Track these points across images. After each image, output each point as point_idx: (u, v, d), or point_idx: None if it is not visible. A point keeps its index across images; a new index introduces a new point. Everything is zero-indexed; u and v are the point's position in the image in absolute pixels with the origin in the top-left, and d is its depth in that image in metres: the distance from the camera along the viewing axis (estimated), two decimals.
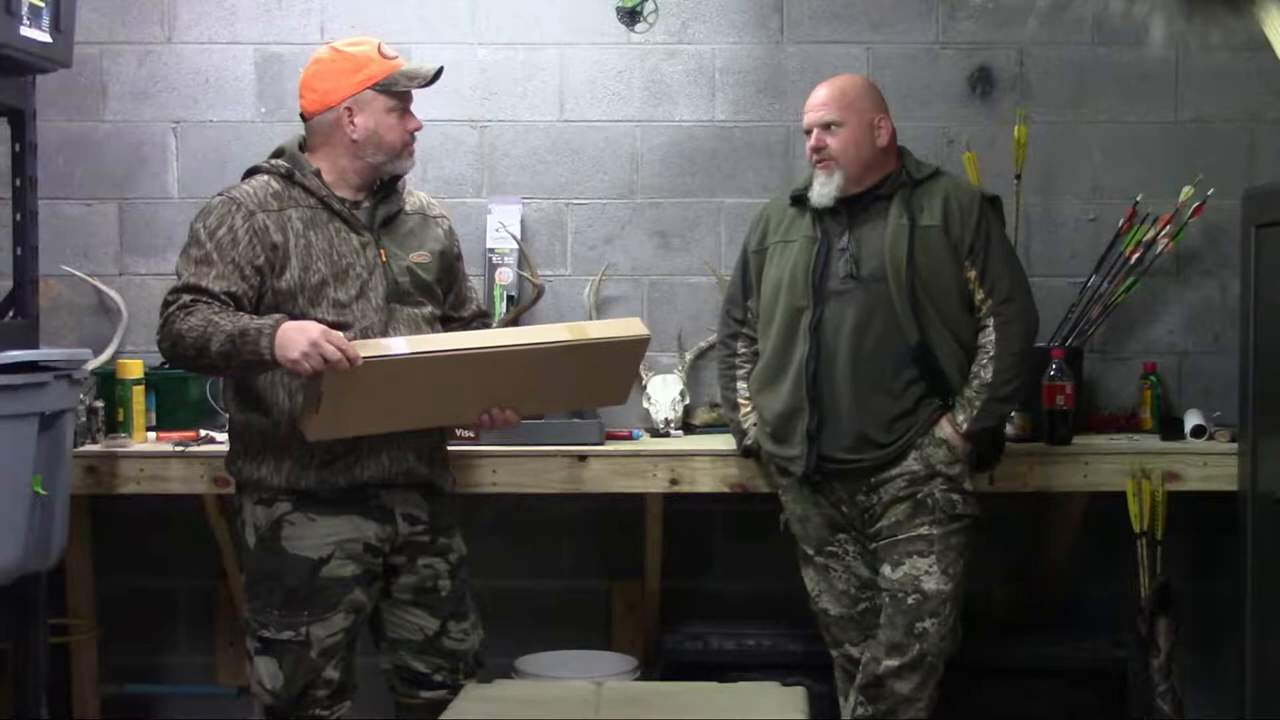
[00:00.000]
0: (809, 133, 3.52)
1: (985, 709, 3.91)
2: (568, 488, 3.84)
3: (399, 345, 3.06)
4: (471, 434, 3.74)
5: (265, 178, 3.23)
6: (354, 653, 3.27)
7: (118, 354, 4.15)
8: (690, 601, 4.30)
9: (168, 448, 3.83)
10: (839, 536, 3.57)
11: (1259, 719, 3.58)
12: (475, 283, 4.06)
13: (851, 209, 3.51)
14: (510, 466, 3.81)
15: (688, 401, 4.20)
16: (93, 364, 3.88)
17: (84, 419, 3.84)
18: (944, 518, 3.44)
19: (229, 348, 3.00)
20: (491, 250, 4.19)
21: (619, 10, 4.29)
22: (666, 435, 4.11)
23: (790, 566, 3.70)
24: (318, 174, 3.22)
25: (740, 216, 4.22)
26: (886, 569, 3.46)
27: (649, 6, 4.28)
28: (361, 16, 4.27)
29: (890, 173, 3.51)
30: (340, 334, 2.99)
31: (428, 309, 3.31)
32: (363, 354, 2.97)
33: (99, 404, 3.94)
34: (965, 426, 3.44)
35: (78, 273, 4.28)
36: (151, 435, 4.01)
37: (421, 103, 4.26)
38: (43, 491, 3.41)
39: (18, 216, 3.64)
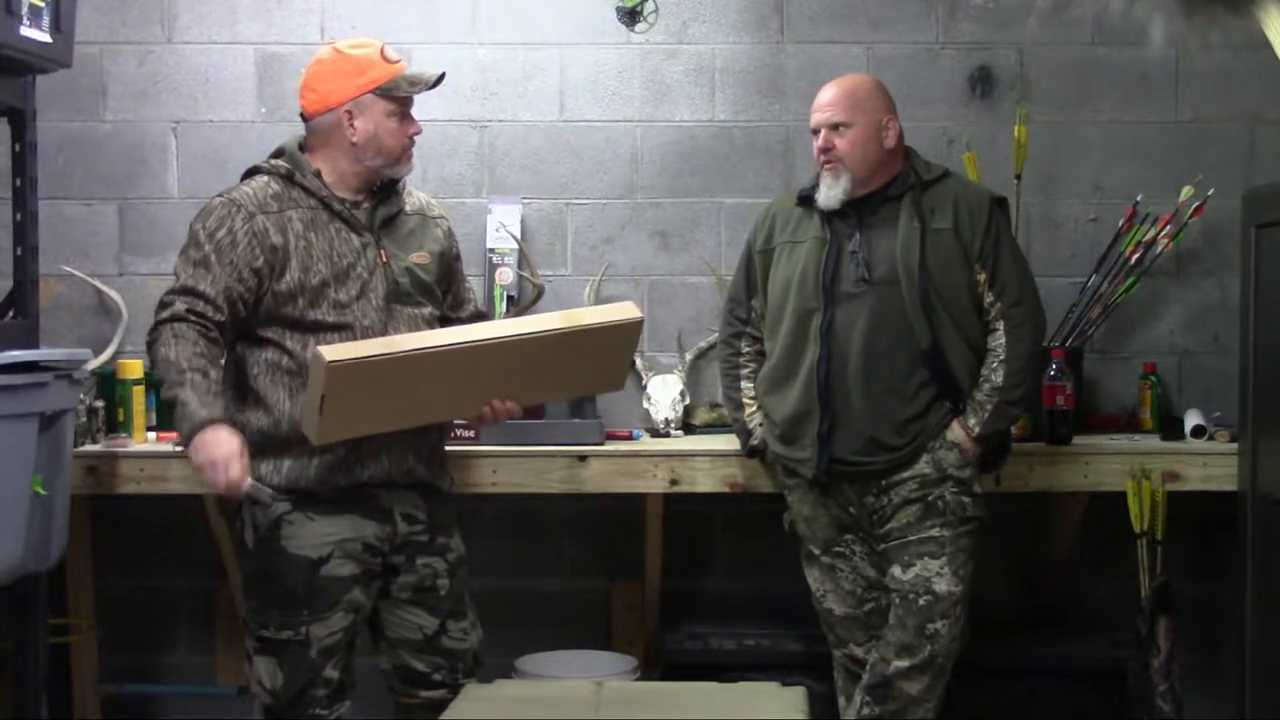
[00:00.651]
0: (816, 132, 3.51)
1: (986, 709, 3.91)
2: (568, 488, 3.84)
3: (398, 343, 3.07)
4: (472, 432, 3.74)
5: (265, 178, 3.23)
6: (353, 652, 3.27)
7: (118, 354, 4.15)
8: (690, 601, 4.30)
9: (168, 448, 3.82)
10: (846, 537, 3.57)
11: (1259, 719, 3.58)
12: (475, 283, 4.07)
13: (860, 210, 3.50)
14: (510, 466, 3.81)
15: (688, 401, 4.20)
16: (93, 364, 3.88)
17: (84, 419, 3.84)
18: (955, 520, 3.44)
19: (170, 400, 3.05)
20: (491, 250, 4.19)
21: (619, 10, 4.29)
22: (666, 435, 4.11)
23: (790, 566, 3.70)
24: (318, 175, 3.22)
25: (740, 216, 4.22)
26: (897, 570, 3.46)
27: (649, 6, 4.28)
28: (362, 16, 4.27)
29: (898, 173, 3.51)
30: (236, 467, 2.98)
31: (427, 309, 3.31)
32: (359, 354, 2.98)
33: (99, 404, 3.94)
34: (977, 430, 3.44)
35: (78, 273, 4.27)
36: (151, 435, 4.02)
37: (422, 103, 4.25)
38: (43, 491, 3.41)
39: (18, 216, 3.64)
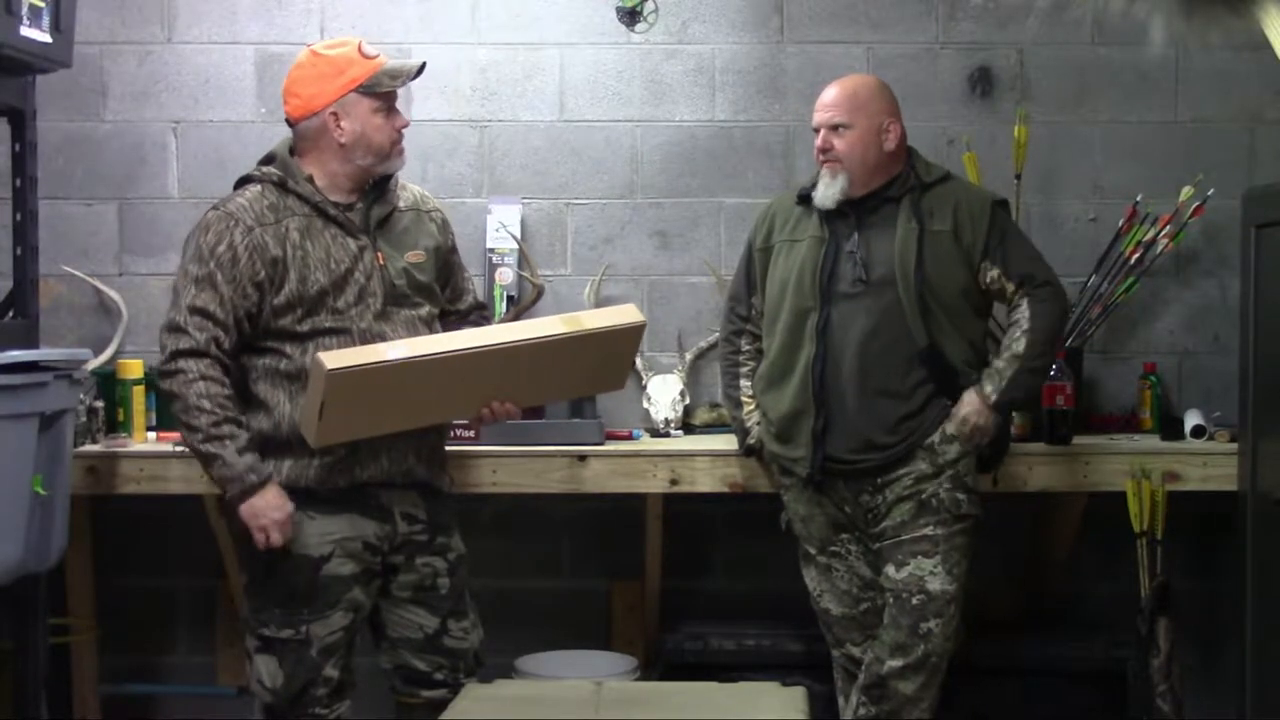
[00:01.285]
0: (818, 131, 3.50)
1: (985, 709, 3.91)
2: (568, 488, 3.84)
3: (398, 350, 3.07)
4: (472, 432, 3.75)
5: (259, 188, 3.21)
6: (353, 652, 3.27)
7: (118, 354, 4.15)
8: (690, 601, 4.30)
9: (168, 448, 3.82)
10: (842, 536, 3.57)
11: (1259, 719, 3.58)
12: (475, 283, 4.07)
13: (859, 211, 3.50)
14: (510, 466, 3.81)
15: (688, 401, 4.20)
16: (93, 364, 3.88)
17: (84, 419, 3.84)
18: (949, 518, 3.44)
19: (209, 455, 3.09)
20: (491, 250, 4.19)
21: (619, 10, 4.29)
22: (666, 435, 4.11)
23: (790, 566, 3.71)
24: (310, 180, 3.22)
25: (740, 216, 4.22)
26: (890, 569, 3.46)
27: (649, 6, 4.28)
28: (361, 16, 4.27)
29: (898, 175, 3.51)
30: (287, 531, 3.12)
31: (425, 310, 3.30)
32: (359, 361, 2.99)
33: (99, 404, 3.94)
34: (994, 397, 3.41)
35: (78, 273, 4.27)
36: (151, 435, 4.02)
37: (422, 103, 4.28)
38: (43, 491, 3.41)
39: (18, 216, 3.64)
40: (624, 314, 3.30)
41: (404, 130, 3.28)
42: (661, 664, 4.06)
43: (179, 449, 3.81)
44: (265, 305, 3.13)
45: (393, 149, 3.26)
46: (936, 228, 3.46)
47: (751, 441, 3.70)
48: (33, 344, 3.60)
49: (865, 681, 3.50)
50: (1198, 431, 3.98)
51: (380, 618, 3.32)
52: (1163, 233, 4.13)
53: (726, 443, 3.86)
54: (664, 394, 4.15)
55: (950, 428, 3.44)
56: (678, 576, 4.28)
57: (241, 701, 4.20)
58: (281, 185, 3.21)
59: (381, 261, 3.23)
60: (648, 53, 4.31)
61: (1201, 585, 4.19)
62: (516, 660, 3.97)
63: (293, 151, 3.26)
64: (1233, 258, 4.05)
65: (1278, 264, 3.52)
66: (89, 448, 3.85)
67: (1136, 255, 4.13)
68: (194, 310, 3.10)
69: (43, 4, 3.43)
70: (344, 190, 3.25)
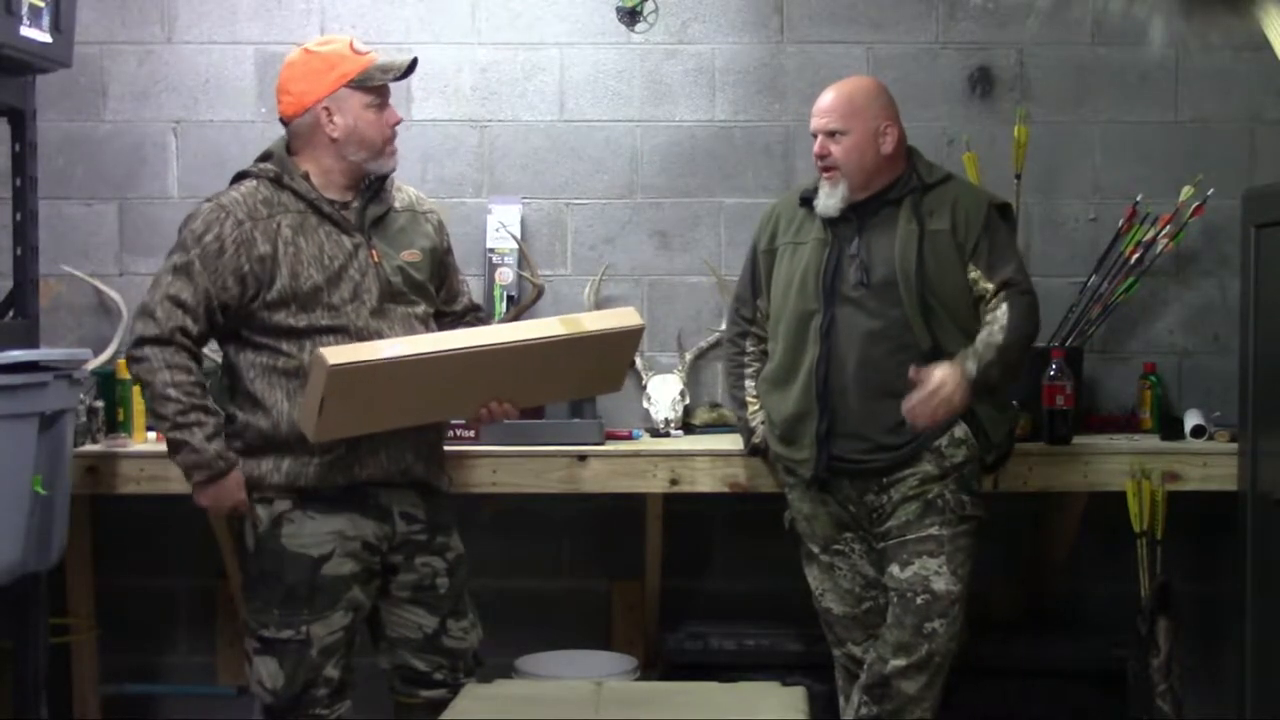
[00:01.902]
0: (815, 137, 3.50)
1: (985, 709, 3.91)
2: (568, 488, 3.84)
3: (398, 347, 3.07)
4: (472, 432, 3.75)
5: (254, 183, 3.22)
6: (353, 651, 3.27)
7: (118, 354, 4.14)
8: (690, 601, 4.30)
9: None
10: (845, 535, 3.56)
11: (1259, 719, 3.58)
12: (475, 283, 4.08)
13: (861, 213, 3.49)
14: (510, 466, 3.81)
15: (688, 401, 4.20)
16: (93, 364, 3.88)
17: (84, 419, 3.84)
18: (954, 518, 3.44)
19: (176, 441, 3.14)
20: (491, 250, 4.19)
21: (619, 10, 4.29)
22: (666, 435, 4.11)
23: (790, 566, 3.70)
24: (306, 177, 3.22)
25: (740, 216, 4.22)
26: (895, 569, 3.46)
27: (649, 6, 4.28)
28: (361, 16, 4.27)
29: (899, 176, 3.50)
30: (242, 510, 3.19)
31: (421, 308, 3.31)
32: (360, 358, 3.00)
33: (99, 404, 3.94)
34: (974, 371, 3.34)
35: (78, 273, 4.27)
36: (151, 435, 4.01)
37: (422, 103, 4.28)
38: (43, 491, 3.41)
39: (18, 216, 3.64)
40: (623, 317, 3.30)
41: (396, 127, 3.29)
42: (661, 664, 4.06)
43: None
44: (252, 300, 3.14)
45: (385, 145, 3.26)
46: (935, 227, 3.46)
47: (757, 441, 3.70)
48: (33, 344, 3.60)
49: (867, 681, 3.50)
50: (1198, 431, 3.98)
51: (379, 618, 3.32)
52: (1163, 233, 4.13)
53: (727, 443, 3.86)
54: (664, 394, 4.15)
55: (957, 433, 3.43)
56: (678, 576, 4.28)
57: (241, 701, 4.20)
58: (277, 181, 3.21)
59: (376, 259, 3.23)
60: (648, 53, 4.31)
61: (1201, 585, 4.19)
62: (516, 660, 3.97)
63: (289, 150, 3.27)
64: (1233, 258, 4.05)
65: (1278, 264, 3.52)
66: (89, 448, 3.84)
67: (1136, 255, 4.13)
68: (166, 297, 3.12)
69: (43, 4, 3.43)
70: (339, 188, 3.26)
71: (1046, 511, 4.16)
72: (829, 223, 3.51)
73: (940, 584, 3.42)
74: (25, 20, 3.37)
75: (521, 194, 4.29)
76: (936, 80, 4.29)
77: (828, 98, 3.51)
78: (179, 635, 4.39)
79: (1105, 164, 4.30)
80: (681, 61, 4.32)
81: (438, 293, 3.40)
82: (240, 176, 3.27)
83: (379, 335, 3.17)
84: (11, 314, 3.62)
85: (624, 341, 3.30)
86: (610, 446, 3.89)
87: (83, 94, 4.27)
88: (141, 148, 4.31)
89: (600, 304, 4.23)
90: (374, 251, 3.24)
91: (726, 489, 3.83)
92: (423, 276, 3.32)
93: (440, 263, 3.41)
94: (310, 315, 3.16)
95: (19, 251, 3.64)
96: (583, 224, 4.33)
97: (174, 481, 3.78)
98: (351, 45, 3.26)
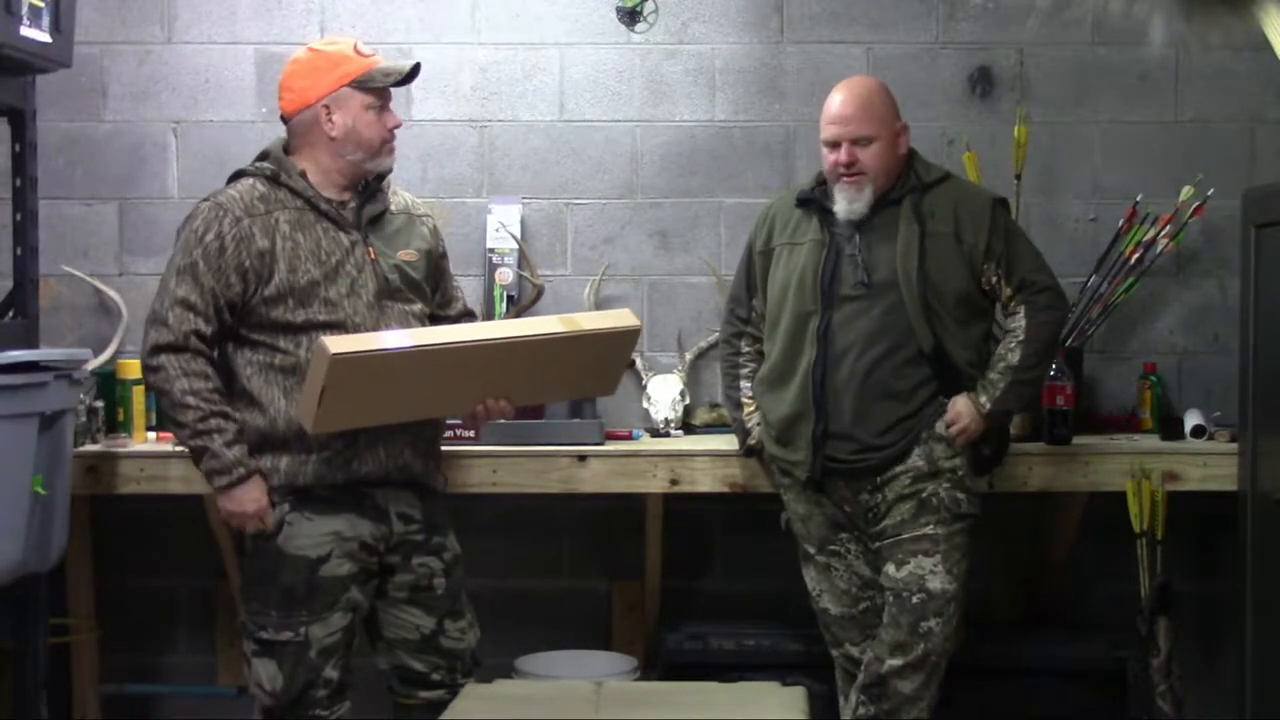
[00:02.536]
0: (834, 145, 3.46)
1: (985, 709, 3.91)
2: (568, 488, 3.84)
3: (399, 339, 3.08)
4: (472, 432, 3.75)
5: (251, 181, 3.23)
6: (351, 652, 3.27)
7: (118, 354, 4.15)
8: (690, 601, 4.30)
9: (168, 448, 3.81)
10: (841, 535, 3.57)
11: (1259, 719, 3.58)
12: (475, 283, 4.09)
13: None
14: (510, 466, 3.81)
15: (688, 401, 4.20)
16: (93, 364, 3.88)
17: (84, 419, 3.84)
18: (949, 517, 3.44)
19: (198, 448, 3.13)
20: (491, 250, 4.18)
21: (619, 10, 4.29)
22: (666, 435, 4.11)
23: (790, 566, 3.70)
24: (303, 175, 3.23)
25: (740, 216, 4.22)
26: (890, 568, 3.46)
27: (649, 6, 4.28)
28: (361, 16, 4.27)
29: (899, 176, 3.50)
30: (267, 520, 3.16)
31: (418, 306, 3.31)
32: (365, 347, 3.00)
33: (99, 404, 3.94)
34: (988, 406, 3.42)
35: (78, 273, 4.27)
36: (151, 435, 4.02)
37: (422, 103, 4.28)
38: (43, 491, 3.41)
39: (18, 216, 3.64)
40: (621, 318, 3.31)
41: (395, 130, 3.30)
42: (661, 664, 4.06)
43: (179, 449, 3.81)
44: (252, 296, 3.14)
45: (383, 146, 3.27)
46: (937, 229, 3.45)
47: (752, 442, 3.70)
48: (33, 344, 3.60)
49: (864, 680, 3.50)
50: (1198, 431, 3.98)
51: (377, 618, 3.32)
52: (1163, 233, 4.13)
53: (726, 443, 3.86)
54: (664, 394, 4.15)
55: (940, 428, 3.44)
56: (678, 576, 4.28)
57: (241, 702, 4.20)
58: (274, 179, 3.22)
59: (373, 256, 3.24)
60: (648, 53, 4.31)
61: (1201, 585, 4.19)
62: (516, 660, 3.97)
63: (287, 150, 3.27)
64: (1233, 258, 4.05)
65: (1278, 264, 3.52)
66: (89, 448, 3.84)
67: (1136, 255, 4.13)
68: (176, 302, 3.12)
69: (43, 4, 3.43)
70: (336, 187, 3.26)
71: (1046, 512, 4.16)
72: (826, 222, 3.51)
73: (936, 583, 3.42)
74: (25, 20, 3.37)
75: (521, 194, 4.29)
76: (936, 80, 4.29)
77: (845, 104, 3.47)
78: (179, 635, 4.39)
79: (1105, 164, 4.30)
80: (681, 61, 4.32)
81: (432, 296, 3.41)
82: (237, 175, 3.28)
83: (377, 331, 3.17)
84: (11, 314, 3.62)
85: (621, 342, 3.31)
86: (610, 446, 3.89)
87: (83, 94, 4.27)
88: (141, 148, 4.31)
89: (600, 304, 4.23)
90: (370, 249, 3.24)
91: (726, 489, 3.83)
92: (419, 276, 3.33)
93: (436, 266, 3.42)
94: (308, 310, 3.16)
95: (19, 251, 3.64)
96: (583, 224, 4.32)
97: (174, 481, 3.80)
98: (356, 47, 3.28)
